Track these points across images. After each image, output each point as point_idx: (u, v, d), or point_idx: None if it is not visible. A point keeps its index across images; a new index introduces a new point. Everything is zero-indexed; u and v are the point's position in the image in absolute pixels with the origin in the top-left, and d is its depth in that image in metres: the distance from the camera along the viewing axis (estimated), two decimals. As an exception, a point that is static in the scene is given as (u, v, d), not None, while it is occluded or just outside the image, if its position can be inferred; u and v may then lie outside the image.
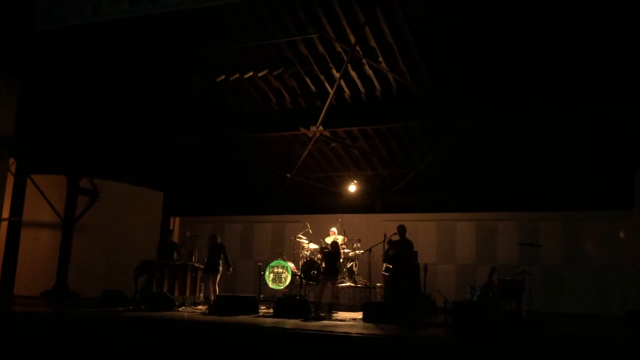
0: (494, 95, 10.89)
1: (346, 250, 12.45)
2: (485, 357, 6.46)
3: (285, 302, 9.66)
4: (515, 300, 9.83)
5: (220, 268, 11.13)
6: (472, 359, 6.47)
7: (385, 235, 11.46)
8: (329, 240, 12.54)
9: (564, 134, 11.60)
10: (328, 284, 10.73)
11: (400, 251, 10.83)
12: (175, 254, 11.44)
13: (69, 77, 12.13)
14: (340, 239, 12.64)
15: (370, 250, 11.89)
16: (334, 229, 12.86)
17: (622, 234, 12.33)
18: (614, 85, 10.04)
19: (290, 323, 8.39)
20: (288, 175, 14.03)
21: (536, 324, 9.29)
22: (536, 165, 12.54)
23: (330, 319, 9.39)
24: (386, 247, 11.44)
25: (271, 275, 12.42)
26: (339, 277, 11.17)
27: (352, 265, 12.34)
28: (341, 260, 11.75)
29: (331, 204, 14.60)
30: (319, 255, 12.23)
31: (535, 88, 10.52)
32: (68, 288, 12.81)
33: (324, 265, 10.87)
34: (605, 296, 12.16)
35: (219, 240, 11.32)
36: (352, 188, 14.05)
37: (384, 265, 11.20)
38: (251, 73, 11.70)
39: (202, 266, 11.49)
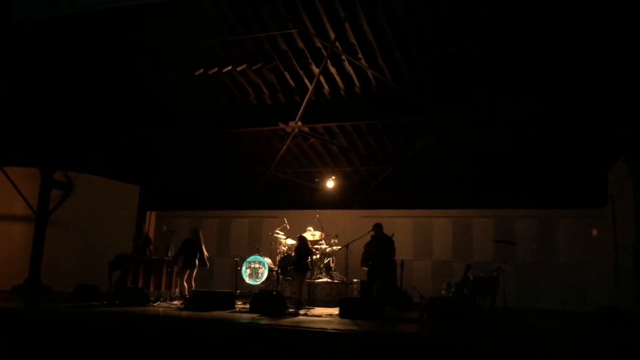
0: (471, 93, 10.96)
1: (323, 246, 12.47)
2: (461, 353, 6.51)
3: (262, 298, 9.63)
4: (490, 296, 9.96)
5: (197, 263, 11.06)
6: (447, 354, 6.52)
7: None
8: (306, 236, 12.55)
9: (539, 132, 11.74)
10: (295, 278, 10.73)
11: (379, 249, 10.82)
12: (148, 250, 11.34)
13: (42, 70, 11.93)
14: (317, 235, 12.66)
15: (347, 246, 11.92)
16: (310, 228, 12.86)
17: (594, 232, 12.55)
18: (588, 85, 10.18)
19: (267, 319, 8.37)
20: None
21: (510, 320, 9.41)
22: (512, 163, 12.68)
23: (298, 314, 9.31)
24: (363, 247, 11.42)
25: (248, 270, 12.39)
26: (308, 273, 11.12)
27: (329, 261, 12.37)
28: (314, 256, 11.76)
29: (309, 200, 14.59)
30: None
31: (511, 86, 10.61)
32: (41, 282, 12.64)
33: (294, 259, 10.88)
34: (578, 293, 12.36)
35: (200, 236, 11.23)
36: (330, 184, 14.06)
37: (363, 255, 11.11)
38: (230, 67, 11.62)
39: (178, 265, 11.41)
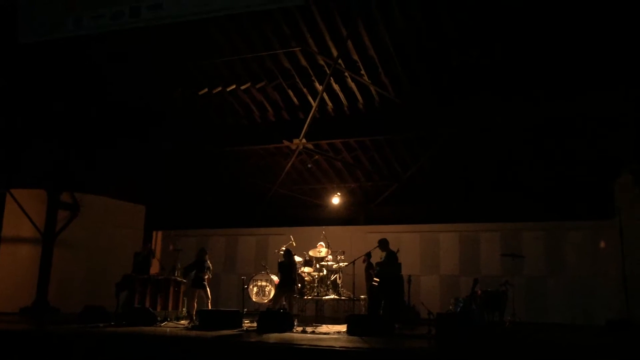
0: (475, 106, 10.99)
1: (330, 263, 12.44)
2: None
3: (269, 316, 9.60)
4: (498, 311, 9.89)
5: (206, 283, 11.07)
6: (456, 370, 6.48)
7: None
8: (312, 253, 12.53)
9: (545, 144, 11.73)
10: (284, 297, 10.63)
11: (385, 265, 10.75)
12: (150, 262, 11.39)
13: (48, 90, 12.04)
14: (324, 251, 12.63)
15: (354, 262, 11.87)
16: (321, 243, 12.82)
17: (603, 244, 12.44)
18: (594, 94, 10.17)
19: (274, 337, 8.34)
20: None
21: (519, 335, 9.34)
22: (519, 175, 12.66)
23: (306, 332, 9.24)
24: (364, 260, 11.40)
25: (255, 288, 12.35)
26: (295, 289, 10.97)
27: (335, 277, 12.32)
28: (321, 273, 11.68)
29: (315, 216, 14.58)
30: (302, 269, 12.21)
31: (515, 98, 10.62)
32: (48, 303, 12.63)
33: (279, 277, 10.76)
34: (587, 306, 12.23)
35: (206, 256, 11.27)
36: (336, 200, 14.07)
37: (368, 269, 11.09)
38: (234, 86, 11.70)
39: (184, 280, 11.40)
